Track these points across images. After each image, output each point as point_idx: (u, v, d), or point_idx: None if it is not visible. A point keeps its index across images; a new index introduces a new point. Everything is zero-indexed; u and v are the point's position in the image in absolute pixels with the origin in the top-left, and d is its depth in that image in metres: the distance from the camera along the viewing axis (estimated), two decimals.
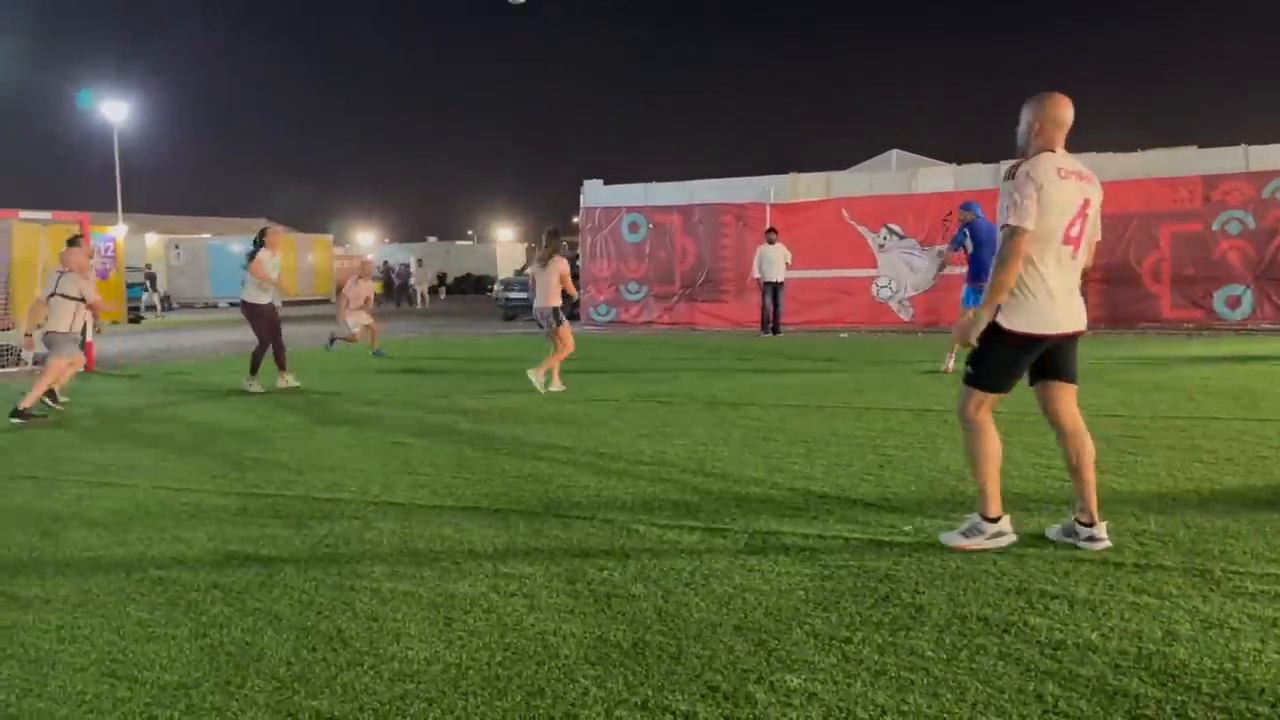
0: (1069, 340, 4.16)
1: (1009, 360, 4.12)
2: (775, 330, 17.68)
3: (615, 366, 12.50)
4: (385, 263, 43.33)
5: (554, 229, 10.40)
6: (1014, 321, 4.01)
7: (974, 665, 2.99)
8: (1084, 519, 4.17)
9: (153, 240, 48.30)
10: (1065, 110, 4.10)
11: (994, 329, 4.04)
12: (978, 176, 18.91)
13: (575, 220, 24.34)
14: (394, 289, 40.21)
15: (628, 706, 2.78)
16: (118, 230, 27.17)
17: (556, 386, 9.96)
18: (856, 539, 4.34)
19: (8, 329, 13.74)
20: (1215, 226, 16.54)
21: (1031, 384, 4.33)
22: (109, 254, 24.79)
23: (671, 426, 7.53)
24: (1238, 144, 17.03)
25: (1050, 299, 4.01)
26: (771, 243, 17.75)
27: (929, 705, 2.74)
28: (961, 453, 4.27)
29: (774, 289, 17.65)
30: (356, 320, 15.13)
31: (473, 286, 56.08)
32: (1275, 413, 7.34)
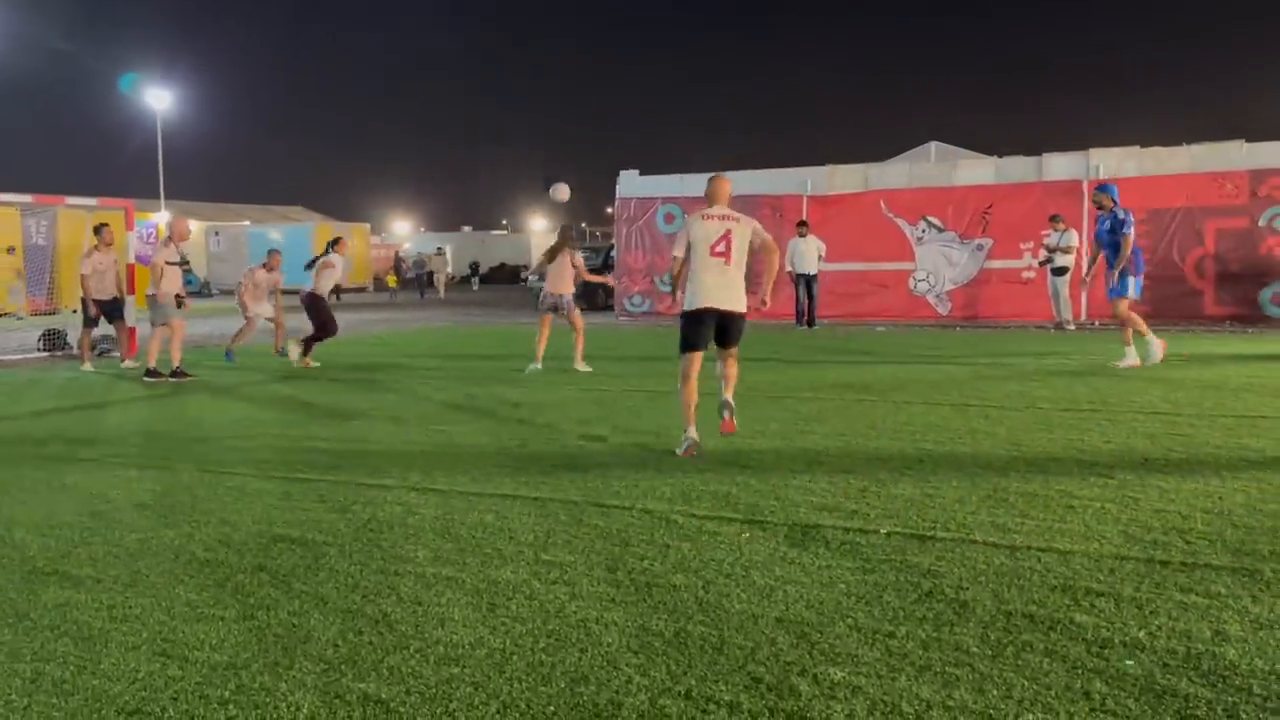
0: (729, 316, 6.30)
1: (692, 326, 6.36)
2: (810, 323, 17.61)
3: (650, 357, 12.50)
4: (396, 254, 42.36)
5: (566, 225, 11.75)
6: (688, 304, 6.33)
7: (1020, 662, 2.97)
8: (727, 396, 6.52)
9: (194, 227, 48.84)
10: (716, 188, 6.49)
11: (682, 314, 6.42)
12: (1020, 169, 18.69)
13: (610, 211, 24.34)
14: (408, 280, 39.25)
15: (671, 695, 2.79)
16: (160, 217, 27.58)
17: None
18: (898, 533, 4.32)
19: (54, 312, 13.99)
20: (1262, 222, 16.23)
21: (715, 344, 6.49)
22: (151, 240, 25.17)
23: (708, 418, 7.51)
24: None
25: (704, 289, 6.25)
26: (802, 235, 17.67)
27: (975, 701, 2.72)
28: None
29: (807, 282, 17.58)
30: (259, 311, 13.35)
31: (507, 276, 56.27)
32: None
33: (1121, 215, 10.61)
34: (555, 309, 11.04)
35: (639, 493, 5.15)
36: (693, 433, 6.22)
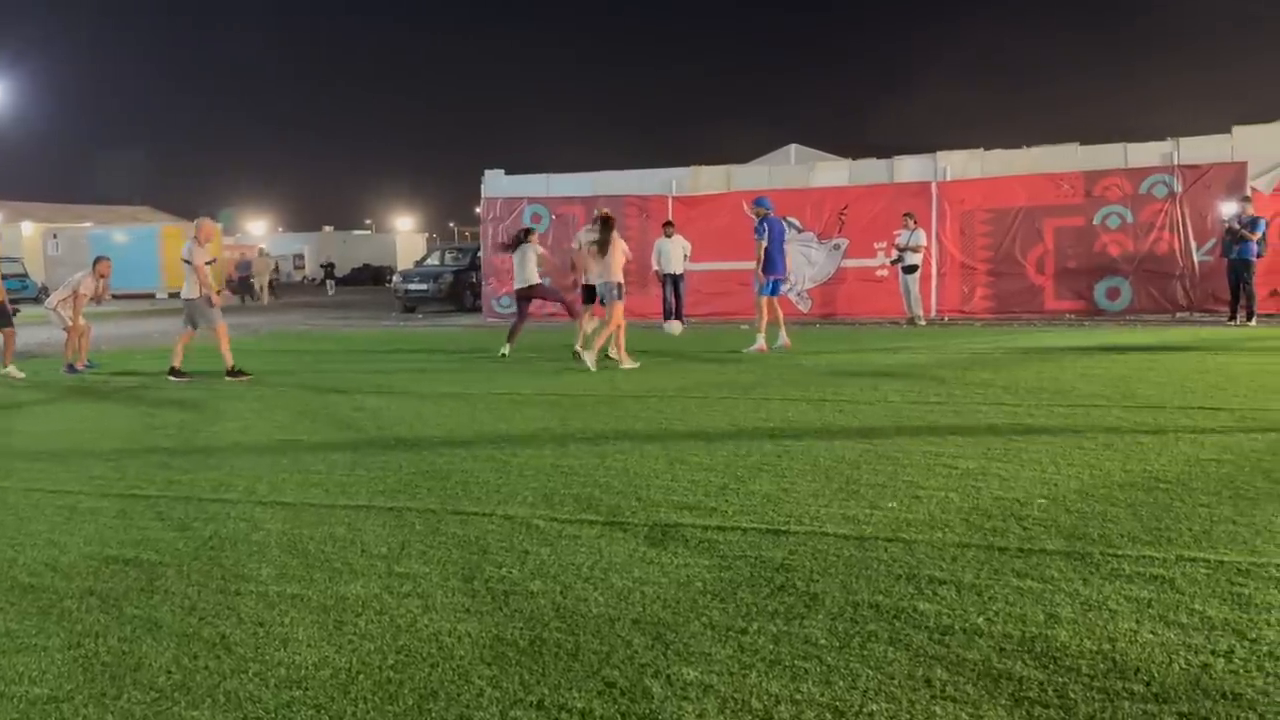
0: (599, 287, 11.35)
1: (586, 291, 11.62)
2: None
3: (517, 360, 12.39)
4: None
5: (606, 212, 11.72)
6: (585, 281, 11.73)
7: (865, 652, 3.04)
8: (607, 351, 11.34)
9: (29, 230, 46.06)
10: (602, 218, 11.38)
11: (581, 286, 11.95)
12: (872, 171, 19.34)
13: (477, 210, 24.04)
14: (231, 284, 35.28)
15: (523, 706, 2.75)
16: None
17: (628, 364, 11.08)
18: (754, 529, 4.38)
19: None
20: (1096, 220, 17.26)
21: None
22: None
23: (573, 420, 7.49)
24: (1117, 141, 17.82)
25: (589, 271, 11.44)
26: (669, 235, 17.83)
27: (822, 693, 2.77)
28: None
29: (674, 281, 17.75)
30: (68, 317, 12.21)
31: (371, 277, 54.88)
32: (1150, 400, 7.69)
33: (756, 224, 12.56)
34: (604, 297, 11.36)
35: (500, 498, 5.08)
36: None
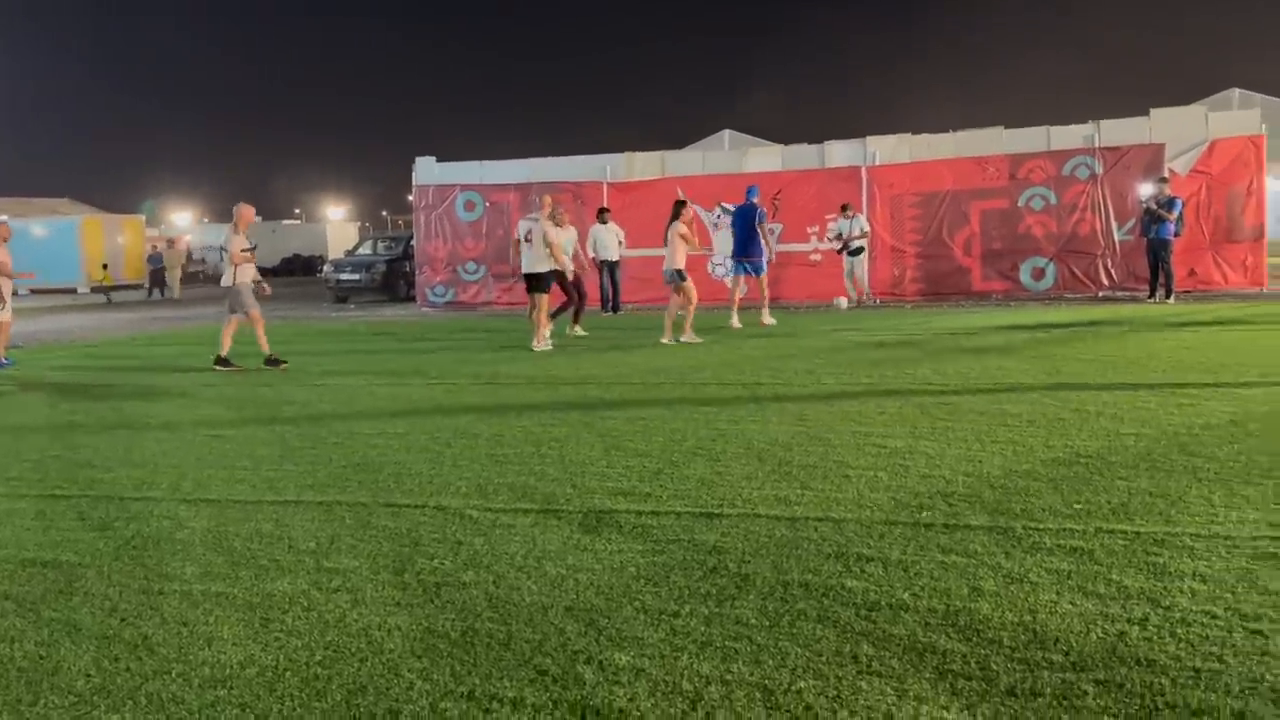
0: (530, 275, 11.71)
1: (522, 280, 12.33)
2: (615, 309, 17.77)
3: (453, 349, 12.29)
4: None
5: (682, 199, 12.68)
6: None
7: (795, 631, 3.08)
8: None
9: None
10: (543, 207, 11.83)
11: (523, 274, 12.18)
12: (804, 156, 19.50)
13: (410, 198, 23.71)
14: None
15: (453, 697, 2.73)
16: None
17: (690, 338, 11.81)
18: (688, 513, 4.41)
19: None
20: (1021, 203, 17.62)
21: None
22: None
23: (509, 408, 7.45)
24: (1040, 125, 18.19)
25: (526, 258, 11.70)
26: (604, 222, 17.79)
27: (752, 673, 2.80)
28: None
29: (610, 268, 17.72)
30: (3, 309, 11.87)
31: (302, 267, 53.85)
32: (1072, 378, 7.90)
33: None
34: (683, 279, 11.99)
35: (433, 489, 5.03)
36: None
